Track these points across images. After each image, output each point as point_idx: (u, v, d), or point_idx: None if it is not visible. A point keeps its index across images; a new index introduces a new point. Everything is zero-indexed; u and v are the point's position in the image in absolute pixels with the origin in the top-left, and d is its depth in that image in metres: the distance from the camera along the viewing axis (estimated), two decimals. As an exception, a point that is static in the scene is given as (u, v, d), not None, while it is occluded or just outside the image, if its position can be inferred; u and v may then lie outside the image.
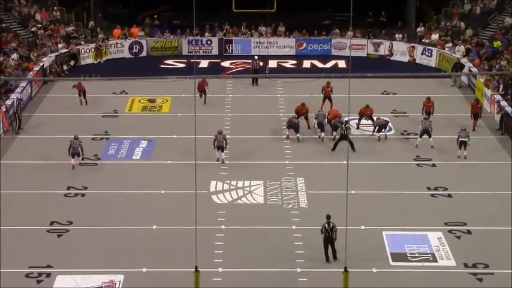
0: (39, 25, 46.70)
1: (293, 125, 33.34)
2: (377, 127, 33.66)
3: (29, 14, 47.52)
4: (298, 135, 33.20)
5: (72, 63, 44.63)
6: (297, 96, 37.93)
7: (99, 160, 31.40)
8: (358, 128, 34.62)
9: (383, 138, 33.42)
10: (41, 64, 41.77)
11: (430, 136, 32.34)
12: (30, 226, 25.64)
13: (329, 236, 23.09)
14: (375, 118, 33.82)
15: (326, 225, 23.17)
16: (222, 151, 30.96)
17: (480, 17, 47.80)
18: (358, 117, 34.37)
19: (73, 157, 30.34)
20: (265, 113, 36.72)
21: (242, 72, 44.35)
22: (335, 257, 23.18)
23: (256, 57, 43.12)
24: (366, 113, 34.21)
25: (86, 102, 37.43)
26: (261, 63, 42.52)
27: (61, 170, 30.24)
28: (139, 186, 28.91)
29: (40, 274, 22.67)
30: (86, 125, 34.51)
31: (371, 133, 33.90)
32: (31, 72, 40.08)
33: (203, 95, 37.41)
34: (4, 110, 34.32)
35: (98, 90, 39.13)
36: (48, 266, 23.05)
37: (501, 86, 37.25)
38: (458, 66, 41.38)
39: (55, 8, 48.77)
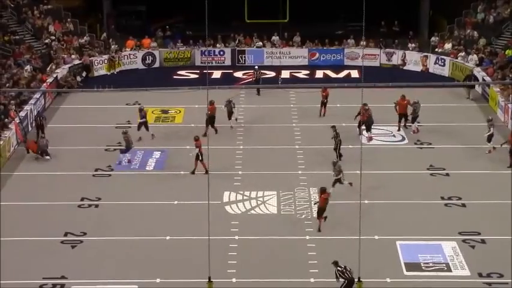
0: (53, 37, 46.97)
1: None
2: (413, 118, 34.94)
3: (43, 26, 47.81)
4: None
5: (84, 74, 44.82)
6: (310, 106, 37.99)
7: (112, 171, 31.47)
8: (399, 130, 35.37)
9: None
10: (55, 76, 41.99)
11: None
12: (44, 237, 25.72)
13: (350, 278, 21.38)
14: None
15: (338, 268, 21.59)
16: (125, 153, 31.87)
17: (493, 26, 47.68)
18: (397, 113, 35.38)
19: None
20: (278, 123, 36.71)
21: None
22: None
23: (256, 67, 43.32)
24: (402, 103, 34.84)
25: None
26: (262, 73, 43.00)
27: (75, 181, 30.35)
28: (152, 197, 28.95)
29: (54, 285, 22.73)
30: (100, 136, 34.59)
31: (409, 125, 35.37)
32: (44, 84, 40.29)
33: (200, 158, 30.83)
34: (18, 121, 34.50)
35: (111, 102, 39.26)
36: (62, 277, 23.10)
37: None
38: (471, 79, 41.07)
39: (68, 19, 49.06)
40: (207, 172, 29.94)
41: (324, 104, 37.12)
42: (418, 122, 35.04)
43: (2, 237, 25.33)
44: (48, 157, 32.40)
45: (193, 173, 30.57)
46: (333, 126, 32.24)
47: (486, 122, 33.06)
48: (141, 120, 34.39)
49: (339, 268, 21.75)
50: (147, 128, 34.44)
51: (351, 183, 28.55)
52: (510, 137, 31.72)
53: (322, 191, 26.26)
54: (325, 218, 26.16)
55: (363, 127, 34.09)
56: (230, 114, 35.85)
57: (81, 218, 27.33)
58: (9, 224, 26.57)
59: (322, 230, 25.98)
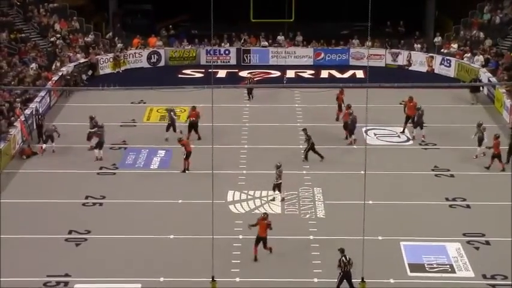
0: (59, 35, 47.01)
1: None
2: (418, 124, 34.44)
3: (48, 24, 47.87)
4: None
5: (89, 72, 44.85)
6: (315, 106, 37.99)
7: (117, 169, 31.51)
8: (403, 132, 35.10)
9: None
10: (60, 74, 42.03)
11: (421, 128, 34.01)
12: (48, 235, 25.76)
13: (347, 271, 21.82)
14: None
15: (343, 258, 21.91)
16: (101, 148, 32.00)
17: (499, 26, 47.62)
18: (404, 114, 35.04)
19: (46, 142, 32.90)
20: (283, 123, 36.70)
21: (260, 81, 44.41)
22: None
23: (249, 74, 43.37)
24: (409, 105, 34.57)
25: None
26: (255, 80, 42.81)
27: (79, 179, 30.39)
28: (156, 195, 28.97)
29: (58, 283, 22.76)
30: (105, 134, 34.60)
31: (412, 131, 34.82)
32: (50, 82, 40.34)
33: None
34: (23, 119, 34.55)
35: (116, 100, 39.30)
36: (66, 275, 23.13)
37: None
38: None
39: (74, 18, 49.13)
40: (184, 171, 30.63)
41: (340, 107, 36.43)
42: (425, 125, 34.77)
43: (6, 234, 25.38)
44: (45, 145, 32.75)
45: (184, 171, 30.97)
46: (304, 129, 32.25)
47: (476, 127, 32.45)
48: (91, 130, 33.09)
49: (343, 258, 21.87)
50: (88, 138, 33.06)
51: (283, 198, 28.50)
52: (493, 141, 31.33)
53: (264, 217, 24.23)
54: (271, 249, 24.08)
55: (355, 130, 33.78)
56: (169, 125, 34.47)
57: (86, 216, 27.37)
58: (13, 221, 26.61)
59: (325, 230, 25.95)
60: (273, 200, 28.29)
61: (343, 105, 36.13)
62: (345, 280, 21.88)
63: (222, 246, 23.52)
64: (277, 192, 28.49)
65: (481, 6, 49.15)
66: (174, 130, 34.47)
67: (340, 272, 21.89)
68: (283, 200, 28.41)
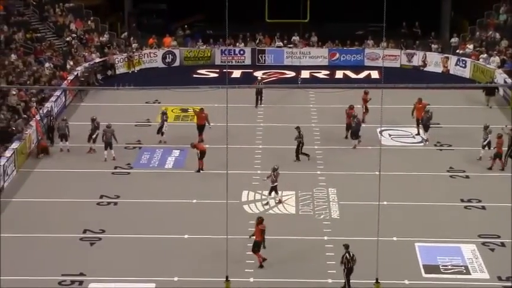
0: (74, 35, 47.17)
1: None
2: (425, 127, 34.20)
3: (64, 23, 48.05)
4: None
5: (109, 73, 44.95)
6: (330, 106, 37.92)
7: (131, 169, 31.57)
8: (418, 134, 34.79)
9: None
10: (76, 73, 42.16)
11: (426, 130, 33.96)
12: (63, 234, 25.84)
13: (350, 267, 21.98)
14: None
15: (347, 254, 22.07)
16: (111, 148, 31.81)
17: (516, 27, 47.44)
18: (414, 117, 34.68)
19: (61, 140, 33.17)
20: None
21: (275, 82, 44.41)
22: None
23: (259, 77, 43.35)
24: (418, 106, 34.30)
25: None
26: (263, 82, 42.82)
27: (94, 179, 30.48)
28: (171, 195, 29.02)
29: (73, 282, 22.83)
30: (119, 134, 34.59)
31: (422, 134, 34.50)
32: (65, 82, 40.47)
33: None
34: (38, 118, 34.67)
35: (131, 100, 39.40)
36: (81, 274, 23.20)
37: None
38: (491, 88, 40.24)
39: (91, 18, 49.29)
40: (199, 171, 30.76)
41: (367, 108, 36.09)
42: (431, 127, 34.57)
43: (22, 233, 25.60)
44: (67, 143, 32.97)
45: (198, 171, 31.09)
46: (297, 127, 32.17)
47: (483, 129, 32.23)
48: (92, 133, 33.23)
49: (347, 255, 21.95)
50: (91, 140, 32.99)
51: (280, 200, 28.43)
52: (497, 140, 31.26)
53: (259, 221, 23.93)
54: (261, 262, 23.60)
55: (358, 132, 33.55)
56: (161, 128, 34.34)
57: (100, 215, 27.44)
58: (28, 220, 26.75)
59: (340, 231, 25.90)
60: (267, 203, 28.25)
61: (366, 106, 36.02)
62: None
63: (236, 246, 23.51)
64: (274, 194, 28.38)
65: (497, 6, 48.95)
66: (158, 132, 34.34)
67: (344, 269, 22.03)
68: (280, 201, 28.36)
